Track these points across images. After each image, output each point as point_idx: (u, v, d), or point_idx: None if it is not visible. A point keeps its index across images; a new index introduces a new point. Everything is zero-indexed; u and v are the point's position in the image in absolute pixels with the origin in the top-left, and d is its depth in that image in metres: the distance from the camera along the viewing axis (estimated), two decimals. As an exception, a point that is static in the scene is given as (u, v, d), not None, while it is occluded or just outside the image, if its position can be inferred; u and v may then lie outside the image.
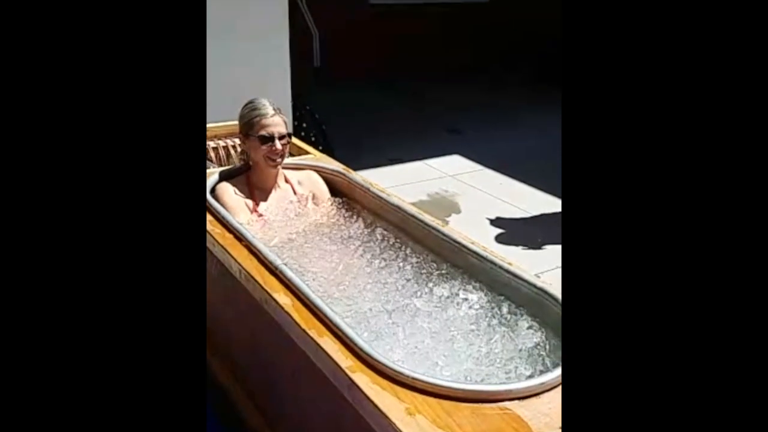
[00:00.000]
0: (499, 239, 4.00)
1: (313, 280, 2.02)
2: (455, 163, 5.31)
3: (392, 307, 1.89)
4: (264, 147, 2.38)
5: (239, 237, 2.06)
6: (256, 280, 1.85)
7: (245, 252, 1.99)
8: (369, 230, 2.37)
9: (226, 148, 3.07)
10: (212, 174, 2.51)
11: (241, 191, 2.44)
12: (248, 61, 4.05)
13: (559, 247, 3.93)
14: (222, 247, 2.04)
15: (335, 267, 2.12)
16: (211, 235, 2.12)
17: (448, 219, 4.22)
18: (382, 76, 6.99)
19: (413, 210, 2.37)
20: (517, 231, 4.14)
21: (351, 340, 1.55)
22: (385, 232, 2.35)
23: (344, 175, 2.66)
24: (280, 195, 2.51)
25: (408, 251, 2.24)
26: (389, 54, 7.13)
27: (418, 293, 1.97)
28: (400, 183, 4.68)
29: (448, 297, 1.94)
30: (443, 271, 2.10)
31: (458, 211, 4.41)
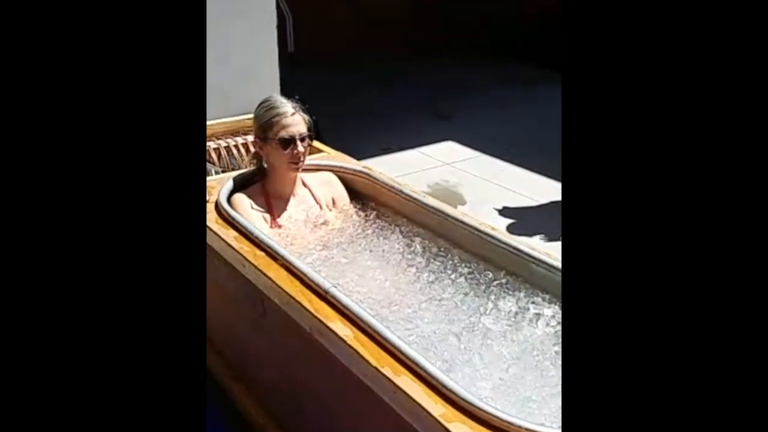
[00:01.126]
0: (512, 231, 3.80)
1: (361, 301, 1.78)
2: (450, 150, 5.08)
3: (458, 329, 1.68)
4: (285, 151, 2.13)
5: (273, 255, 1.81)
6: (304, 307, 1.61)
7: (284, 273, 1.75)
8: (406, 238, 2.14)
9: (227, 148, 2.81)
10: (226, 181, 2.24)
11: (257, 204, 2.18)
12: (233, 49, 3.76)
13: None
14: (255, 267, 1.79)
15: (381, 285, 1.88)
16: (240, 254, 1.86)
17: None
18: (354, 57, 6.69)
19: (455, 212, 2.15)
20: (528, 221, 3.95)
21: (437, 380, 1.32)
22: (424, 240, 2.13)
23: (368, 175, 2.42)
24: (299, 202, 2.26)
25: (456, 260, 2.01)
26: (360, 33, 6.82)
27: (482, 309, 1.75)
28: (398, 174, 4.43)
29: (517, 312, 1.73)
30: (502, 281, 1.89)
31: (463, 203, 4.20)
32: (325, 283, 1.64)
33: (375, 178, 2.39)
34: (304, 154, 2.16)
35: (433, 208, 2.18)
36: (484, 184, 4.46)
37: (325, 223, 2.22)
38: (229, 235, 1.96)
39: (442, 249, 2.08)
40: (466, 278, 1.92)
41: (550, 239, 3.74)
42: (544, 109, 5.80)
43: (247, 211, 2.14)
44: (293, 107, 2.16)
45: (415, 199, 2.24)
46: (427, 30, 7.10)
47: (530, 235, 3.79)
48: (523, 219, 3.98)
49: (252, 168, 2.35)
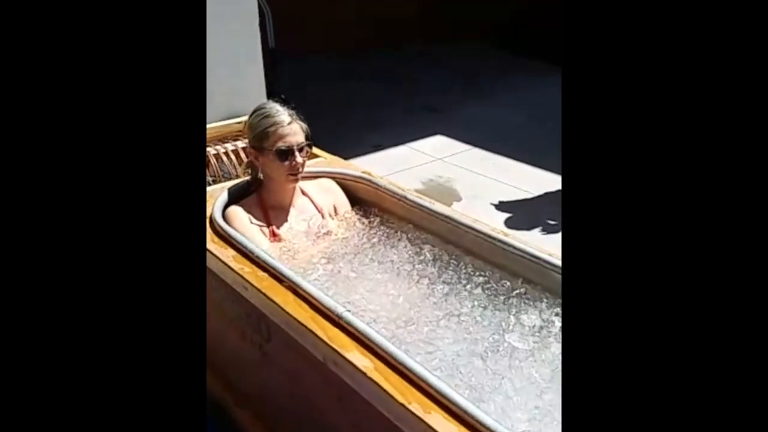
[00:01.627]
0: (510, 225, 3.70)
1: (375, 321, 1.66)
2: (440, 145, 4.97)
3: (482, 349, 1.56)
4: (284, 163, 1.99)
5: (278, 276, 1.68)
6: (316, 335, 1.49)
7: (291, 297, 1.62)
8: (415, 246, 2.02)
9: (217, 155, 2.66)
10: (220, 192, 2.11)
11: (255, 216, 2.05)
12: (215, 51, 3.59)
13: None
14: (258, 290, 1.66)
15: (394, 301, 1.76)
16: (240, 275, 1.73)
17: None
18: (338, 51, 6.52)
19: (464, 218, 2.02)
20: (525, 214, 3.86)
21: (472, 416, 1.21)
22: (433, 248, 2.01)
23: (369, 181, 2.29)
24: (299, 212, 2.13)
25: (469, 269, 1.90)
26: (345, 27, 6.66)
27: (504, 325, 1.64)
28: (390, 172, 4.32)
29: (542, 327, 1.62)
30: (521, 291, 1.78)
31: (458, 198, 4.09)
32: (338, 308, 1.52)
33: (377, 184, 2.27)
34: (302, 164, 2.03)
35: (440, 214, 2.06)
36: (477, 179, 4.35)
37: (328, 233, 2.10)
38: (227, 254, 1.82)
39: (454, 257, 1.97)
40: (482, 289, 1.81)
41: (549, 232, 3.66)
42: (532, 100, 5.70)
43: (245, 225, 2.01)
44: (290, 115, 2.02)
45: (420, 205, 2.12)
46: (412, 23, 6.96)
47: (528, 228, 3.70)
48: (519, 212, 3.89)
49: (246, 178, 2.21)
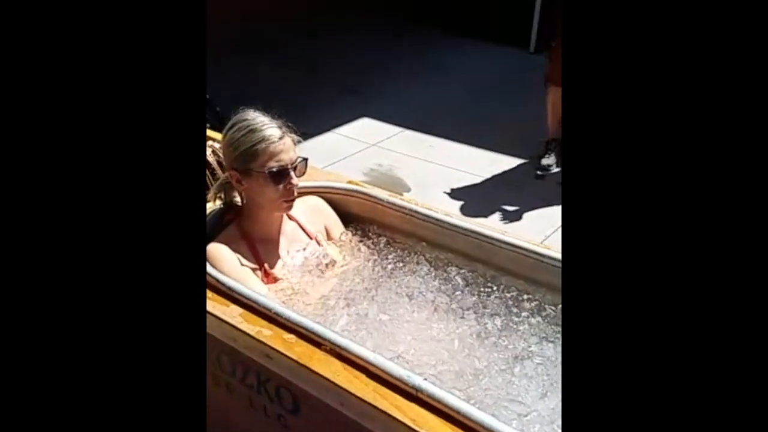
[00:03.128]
0: (467, 213, 3.47)
1: (437, 378, 1.36)
2: (369, 129, 4.66)
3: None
4: (278, 186, 1.63)
5: (315, 340, 1.33)
6: (391, 416, 1.17)
7: (338, 365, 1.28)
8: (439, 270, 1.73)
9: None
10: (195, 231, 1.70)
11: (242, 254, 1.67)
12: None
13: (535, 212, 3.52)
14: (293, 360, 1.31)
15: (448, 347, 1.46)
16: (259, 341, 1.37)
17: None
18: (247, 34, 5.99)
19: (489, 231, 1.74)
20: (481, 201, 3.66)
21: None
22: (460, 270, 1.72)
23: (362, 193, 1.96)
24: (290, 242, 1.77)
25: (513, 293, 1.64)
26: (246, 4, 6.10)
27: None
28: (327, 163, 3.97)
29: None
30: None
31: (407, 189, 3.79)
32: (412, 377, 1.20)
33: (372, 196, 1.94)
34: (296, 186, 1.67)
35: (461, 228, 1.77)
36: (419, 164, 4.09)
37: (331, 263, 1.75)
38: (232, 312, 1.45)
39: (489, 279, 1.69)
40: (541, 317, 1.55)
41: (510, 219, 3.48)
42: (457, 76, 5.51)
43: (235, 267, 1.63)
44: (279, 127, 1.65)
45: (433, 218, 1.82)
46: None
47: (486, 215, 3.51)
48: (473, 199, 3.68)
49: (219, 205, 1.82)
